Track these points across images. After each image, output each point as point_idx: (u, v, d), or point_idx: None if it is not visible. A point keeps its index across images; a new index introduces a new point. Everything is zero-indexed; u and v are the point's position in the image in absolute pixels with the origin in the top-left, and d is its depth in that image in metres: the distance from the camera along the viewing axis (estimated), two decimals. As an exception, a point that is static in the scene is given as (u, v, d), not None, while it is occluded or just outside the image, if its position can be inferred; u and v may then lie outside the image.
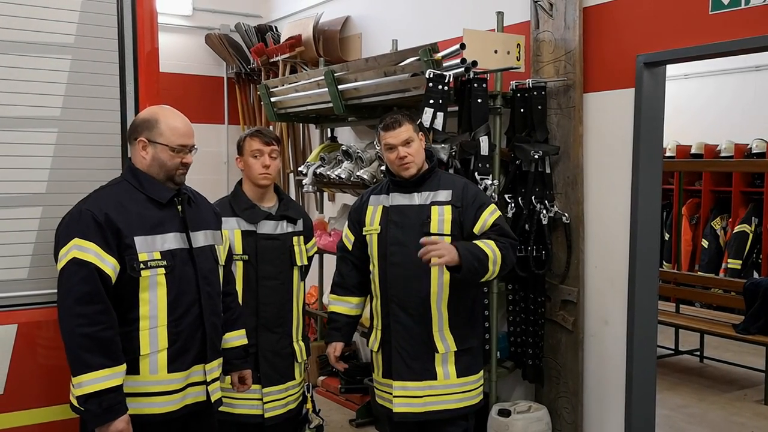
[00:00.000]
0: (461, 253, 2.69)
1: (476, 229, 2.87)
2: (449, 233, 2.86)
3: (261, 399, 2.95)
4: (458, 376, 2.93)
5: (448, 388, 2.92)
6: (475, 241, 2.82)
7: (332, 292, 3.18)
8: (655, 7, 3.35)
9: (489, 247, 2.78)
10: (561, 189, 3.75)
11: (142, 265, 2.23)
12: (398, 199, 2.96)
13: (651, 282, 3.55)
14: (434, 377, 2.91)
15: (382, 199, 3.01)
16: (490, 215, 2.89)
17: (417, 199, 2.93)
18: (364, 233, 3.04)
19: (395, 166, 2.92)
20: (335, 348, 3.08)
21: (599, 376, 3.70)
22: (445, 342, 2.90)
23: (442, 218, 2.87)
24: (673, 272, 6.60)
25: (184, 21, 6.43)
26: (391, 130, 2.90)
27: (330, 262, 5.20)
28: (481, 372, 3.05)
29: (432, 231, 2.86)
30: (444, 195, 2.91)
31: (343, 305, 3.12)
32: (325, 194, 5.54)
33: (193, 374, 2.38)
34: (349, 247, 3.12)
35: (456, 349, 2.91)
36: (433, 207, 2.89)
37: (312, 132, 5.90)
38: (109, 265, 2.18)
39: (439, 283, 2.88)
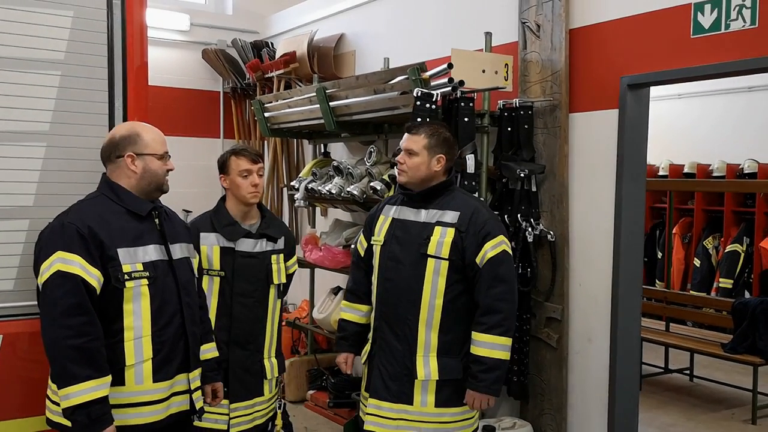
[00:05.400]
0: (492, 390, 2.72)
1: (478, 260, 2.73)
2: (446, 257, 2.74)
3: (228, 414, 2.96)
4: (436, 406, 2.77)
5: (423, 416, 2.78)
6: (478, 342, 2.71)
7: (345, 298, 3.14)
8: (639, 30, 3.41)
9: (498, 346, 2.70)
10: (547, 207, 3.79)
11: (126, 276, 2.27)
12: (406, 213, 2.88)
13: (634, 300, 3.58)
14: (410, 402, 2.78)
15: (393, 210, 2.93)
16: (491, 248, 2.73)
17: (423, 215, 2.82)
18: (371, 242, 2.97)
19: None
20: (346, 359, 3.02)
21: (583, 393, 3.72)
22: (427, 368, 2.76)
23: (442, 240, 2.74)
24: (664, 291, 6.61)
25: (182, 36, 6.52)
26: (407, 133, 2.86)
27: (321, 276, 5.24)
28: (467, 407, 2.83)
29: (429, 252, 2.75)
30: (451, 216, 2.78)
31: (353, 313, 3.05)
32: (318, 209, 5.58)
33: (177, 383, 2.41)
34: (362, 253, 3.06)
35: (437, 378, 2.76)
36: (436, 227, 2.77)
37: (305, 147, 5.95)
38: (93, 276, 2.22)
39: (431, 306, 2.76)
